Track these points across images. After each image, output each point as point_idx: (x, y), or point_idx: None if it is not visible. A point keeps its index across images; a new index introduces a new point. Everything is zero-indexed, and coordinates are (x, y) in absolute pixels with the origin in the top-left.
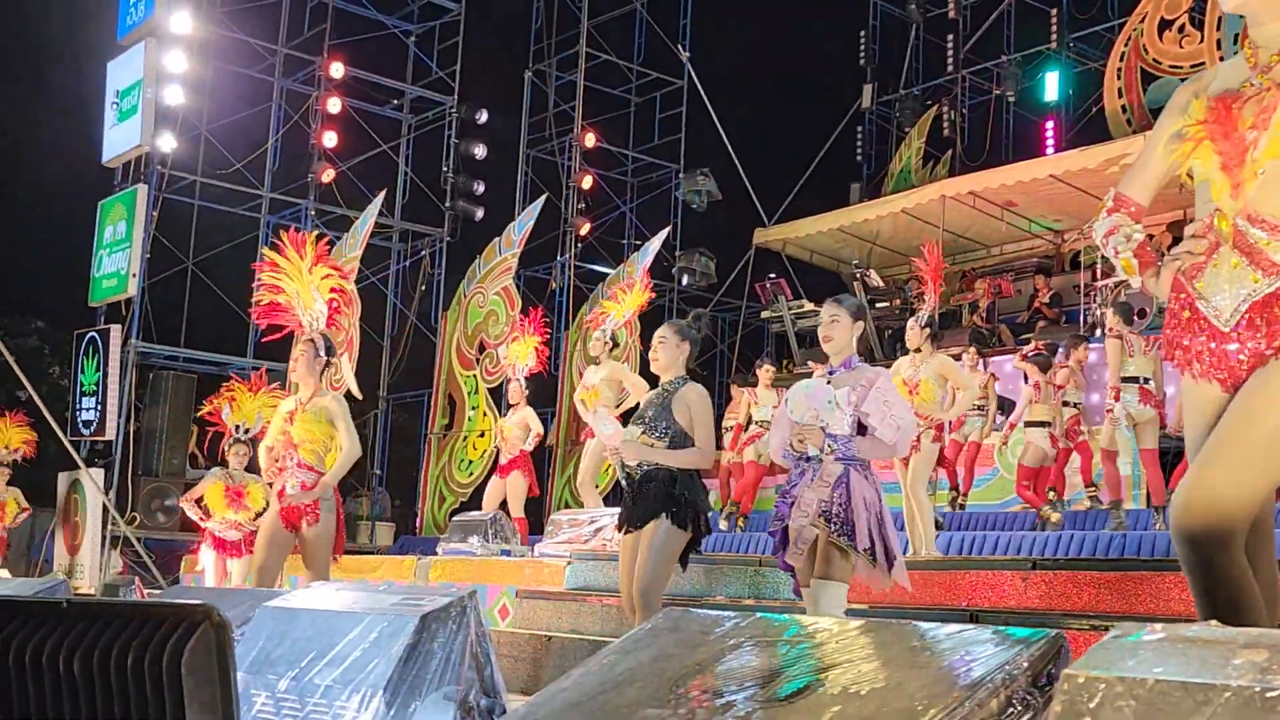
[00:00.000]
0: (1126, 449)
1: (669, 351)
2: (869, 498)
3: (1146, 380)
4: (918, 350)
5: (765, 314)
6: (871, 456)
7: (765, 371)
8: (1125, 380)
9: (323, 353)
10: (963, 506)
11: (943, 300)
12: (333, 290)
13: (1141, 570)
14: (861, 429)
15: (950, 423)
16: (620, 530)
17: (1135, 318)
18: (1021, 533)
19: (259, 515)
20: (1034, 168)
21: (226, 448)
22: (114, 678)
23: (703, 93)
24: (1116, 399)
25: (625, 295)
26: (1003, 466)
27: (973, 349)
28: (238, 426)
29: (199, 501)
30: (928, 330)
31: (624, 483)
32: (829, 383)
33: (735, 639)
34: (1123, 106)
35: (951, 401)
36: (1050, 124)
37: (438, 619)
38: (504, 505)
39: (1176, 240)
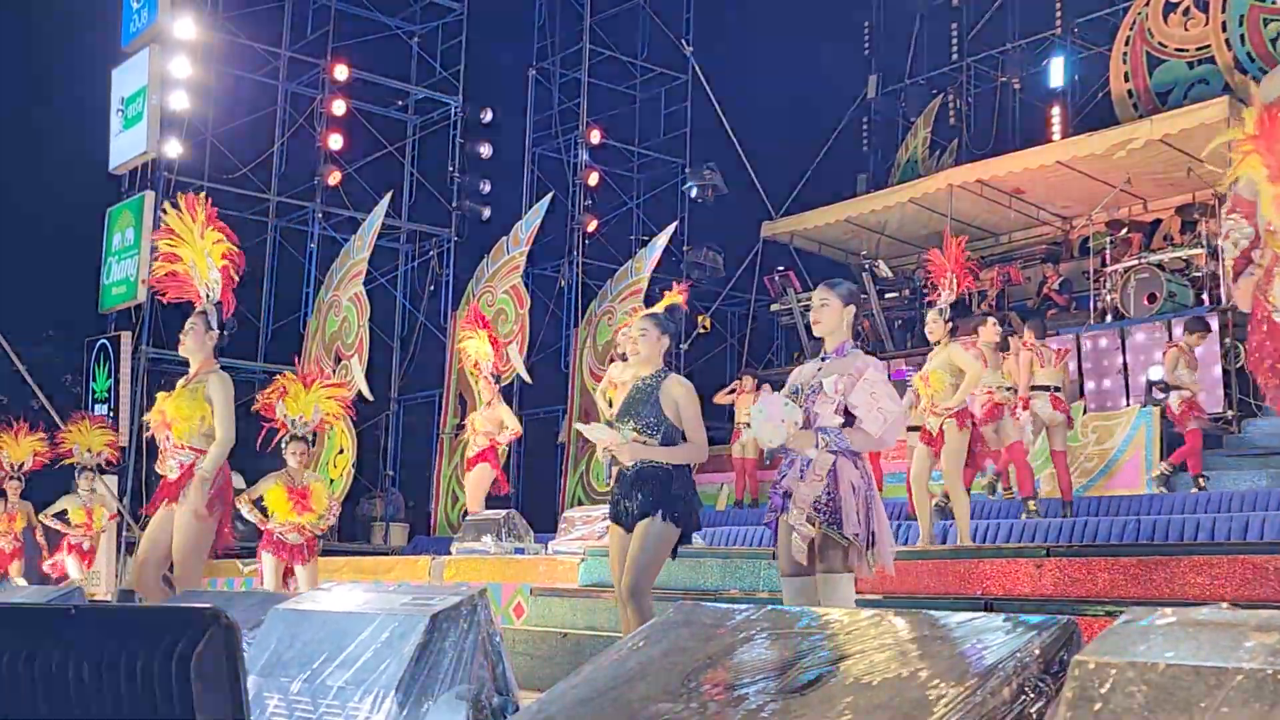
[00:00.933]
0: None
1: (650, 344)
2: (856, 482)
3: (1057, 389)
4: (939, 343)
5: (775, 307)
6: (862, 449)
7: (747, 382)
8: (1036, 389)
9: (214, 325)
10: (1011, 495)
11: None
12: (225, 256)
13: (1156, 555)
14: (850, 418)
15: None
16: (611, 521)
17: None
18: (1036, 520)
19: (323, 517)
20: (1041, 154)
21: (284, 445)
22: (123, 684)
23: (707, 87)
24: (1026, 407)
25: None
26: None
27: (1029, 332)
28: (294, 421)
29: (258, 502)
30: (950, 324)
31: (609, 480)
32: (819, 369)
33: (747, 631)
34: (1129, 91)
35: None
36: (1056, 110)
37: (448, 618)
38: (496, 500)
39: (1186, 225)
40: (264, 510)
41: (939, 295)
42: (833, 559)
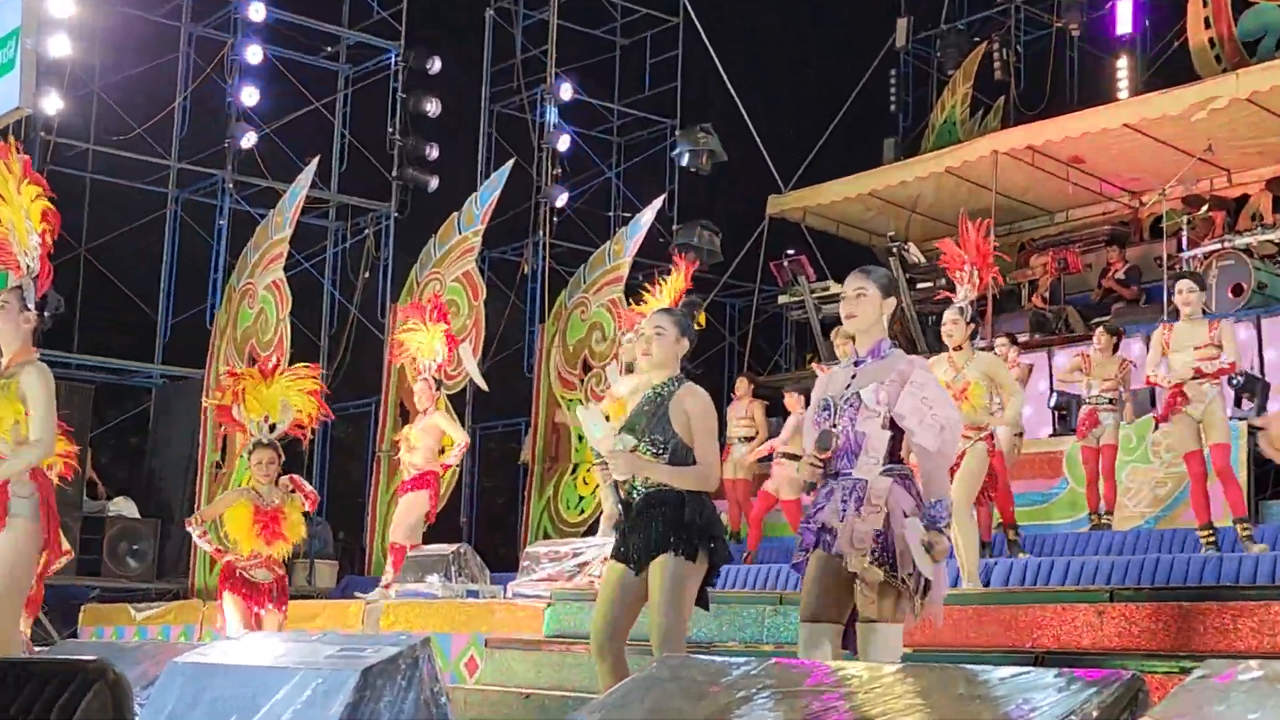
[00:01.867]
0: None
1: (666, 347)
2: (910, 512)
3: None
4: (958, 349)
5: (783, 298)
6: (932, 479)
7: (742, 386)
8: None
9: (30, 306)
10: (1107, 525)
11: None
12: (44, 218)
13: (1241, 599)
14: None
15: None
16: (612, 558)
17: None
18: (1096, 557)
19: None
20: (1104, 115)
21: (246, 455)
22: None
23: (702, 32)
24: None
25: (664, 283)
26: (1073, 478)
27: (1006, 341)
28: (257, 424)
29: (217, 526)
30: (973, 325)
31: (616, 505)
32: (854, 376)
33: (747, 689)
34: (1210, 40)
35: (1000, 405)
36: (1123, 62)
37: (384, 673)
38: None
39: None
40: (223, 537)
41: (957, 292)
42: (884, 606)
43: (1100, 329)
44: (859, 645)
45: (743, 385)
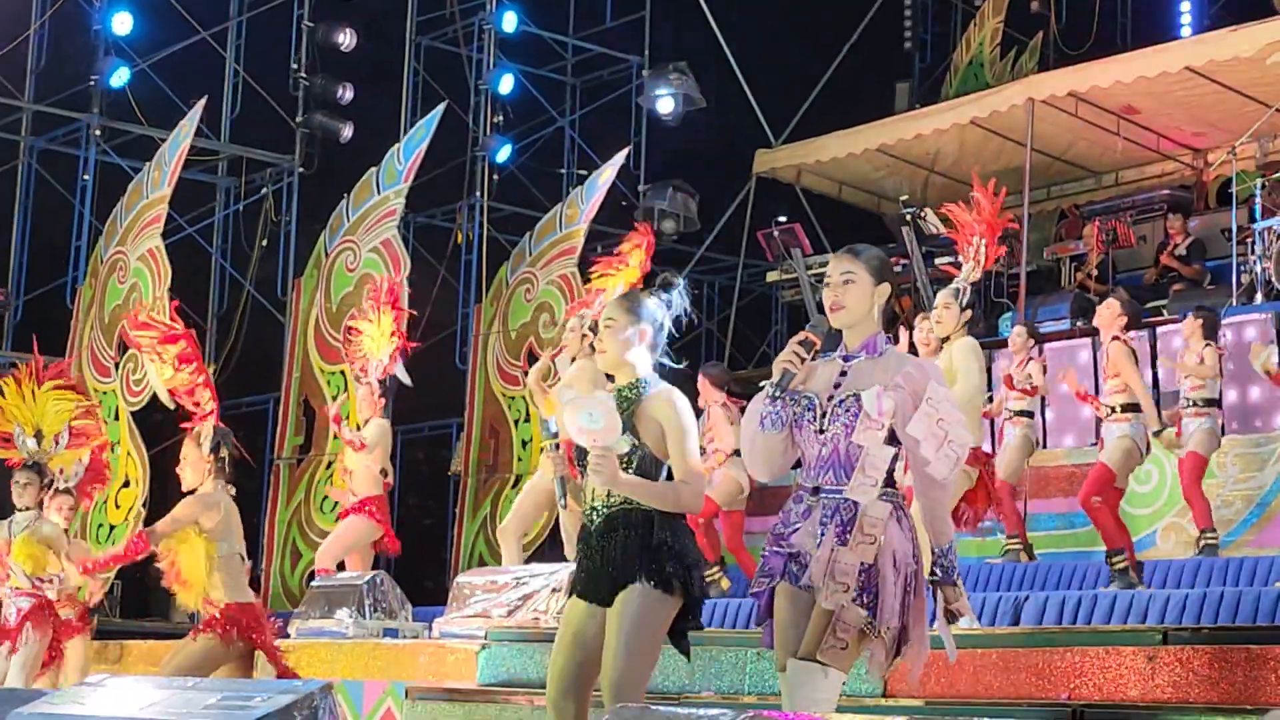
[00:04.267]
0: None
1: (616, 339)
2: (901, 551)
3: None
4: (946, 340)
5: (772, 275)
6: (937, 516)
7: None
8: None
9: None
10: (1213, 548)
11: (1034, 252)
12: None
13: None
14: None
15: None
16: (570, 595)
17: None
18: (1147, 591)
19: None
20: (1163, 57)
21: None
22: None
23: None
24: None
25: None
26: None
27: (1022, 331)
28: (27, 441)
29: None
30: (968, 313)
31: (561, 503)
32: (844, 373)
33: None
34: None
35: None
36: None
37: None
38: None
39: None
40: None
41: (961, 268)
42: (850, 654)
43: (1191, 315)
44: (788, 686)
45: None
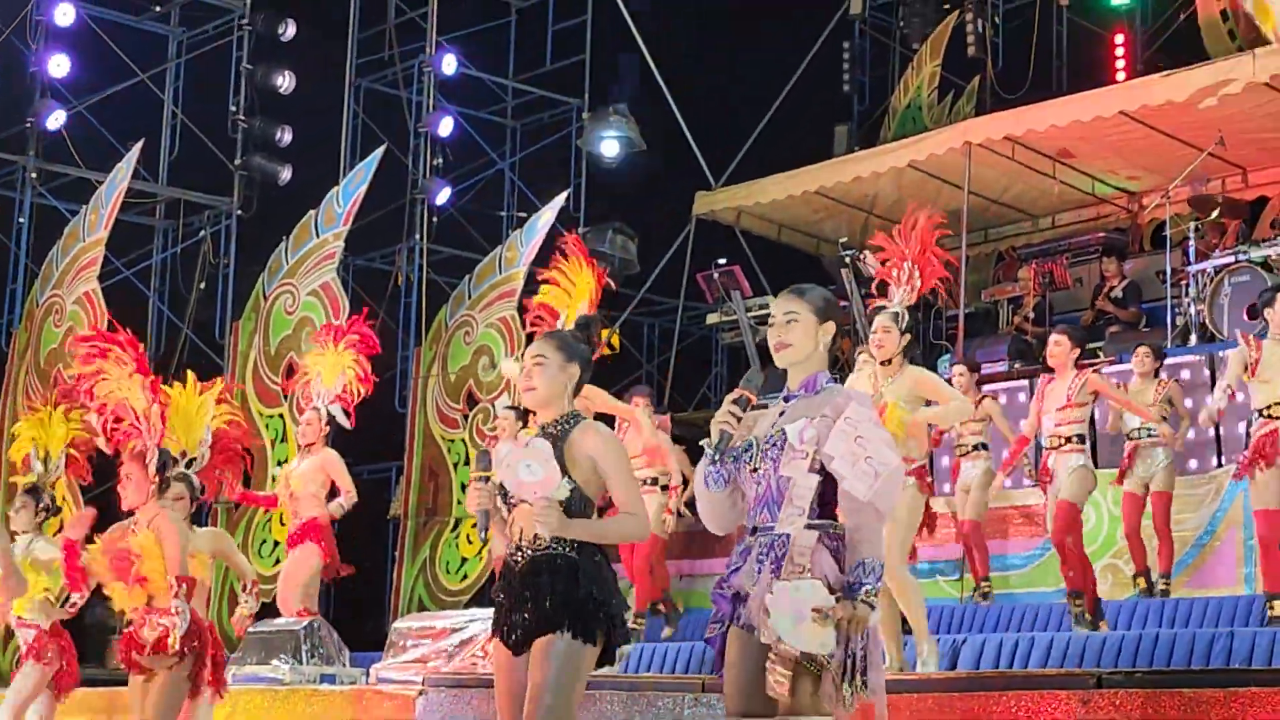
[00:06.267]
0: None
1: (550, 379)
2: (836, 578)
3: None
4: (886, 363)
5: (713, 318)
6: (859, 535)
7: (639, 404)
8: None
9: None
10: (1165, 592)
11: (973, 294)
12: None
13: (1256, 685)
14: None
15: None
16: (494, 639)
17: None
18: (1084, 633)
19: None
20: (1097, 101)
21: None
22: None
23: None
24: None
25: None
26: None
27: (964, 370)
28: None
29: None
30: (908, 336)
31: (482, 535)
32: (782, 413)
33: None
34: (1223, 13)
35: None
36: (1120, 38)
37: None
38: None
39: None
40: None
41: (891, 295)
42: (801, 689)
43: (1142, 348)
44: None
45: (641, 403)
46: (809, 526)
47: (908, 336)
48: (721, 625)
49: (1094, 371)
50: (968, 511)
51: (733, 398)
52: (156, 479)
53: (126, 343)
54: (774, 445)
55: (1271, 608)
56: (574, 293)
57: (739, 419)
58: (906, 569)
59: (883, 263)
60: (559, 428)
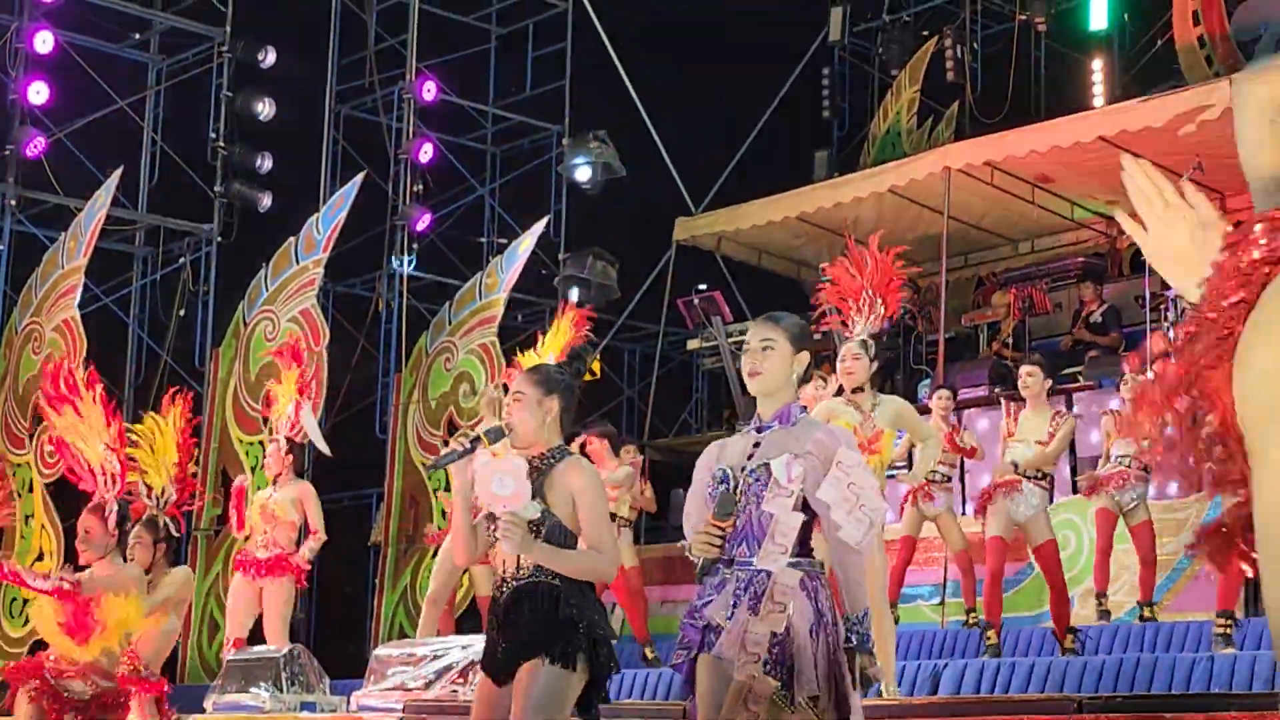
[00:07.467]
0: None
1: (529, 414)
2: (817, 619)
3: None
4: (858, 390)
5: (693, 344)
6: (852, 582)
7: (595, 445)
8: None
9: None
10: (1152, 617)
11: (952, 319)
12: None
13: (1238, 710)
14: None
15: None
16: (481, 667)
17: None
18: (1065, 659)
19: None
20: (1076, 126)
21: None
22: None
23: (596, 22)
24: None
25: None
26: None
27: (945, 394)
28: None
29: None
30: (877, 363)
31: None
32: (757, 445)
33: None
34: (1200, 39)
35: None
36: (1098, 64)
37: None
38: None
39: None
40: None
41: (853, 325)
42: None
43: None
44: None
45: (629, 454)
46: (791, 565)
47: (876, 364)
48: (689, 653)
49: (1105, 413)
50: (958, 543)
51: (716, 519)
52: (115, 534)
53: (88, 386)
54: (756, 480)
55: (1221, 625)
56: (553, 339)
57: (721, 546)
58: (886, 601)
59: (838, 297)
60: (544, 462)
